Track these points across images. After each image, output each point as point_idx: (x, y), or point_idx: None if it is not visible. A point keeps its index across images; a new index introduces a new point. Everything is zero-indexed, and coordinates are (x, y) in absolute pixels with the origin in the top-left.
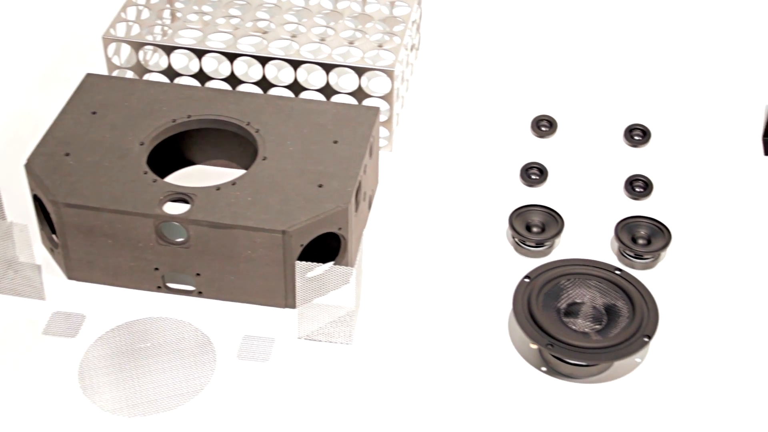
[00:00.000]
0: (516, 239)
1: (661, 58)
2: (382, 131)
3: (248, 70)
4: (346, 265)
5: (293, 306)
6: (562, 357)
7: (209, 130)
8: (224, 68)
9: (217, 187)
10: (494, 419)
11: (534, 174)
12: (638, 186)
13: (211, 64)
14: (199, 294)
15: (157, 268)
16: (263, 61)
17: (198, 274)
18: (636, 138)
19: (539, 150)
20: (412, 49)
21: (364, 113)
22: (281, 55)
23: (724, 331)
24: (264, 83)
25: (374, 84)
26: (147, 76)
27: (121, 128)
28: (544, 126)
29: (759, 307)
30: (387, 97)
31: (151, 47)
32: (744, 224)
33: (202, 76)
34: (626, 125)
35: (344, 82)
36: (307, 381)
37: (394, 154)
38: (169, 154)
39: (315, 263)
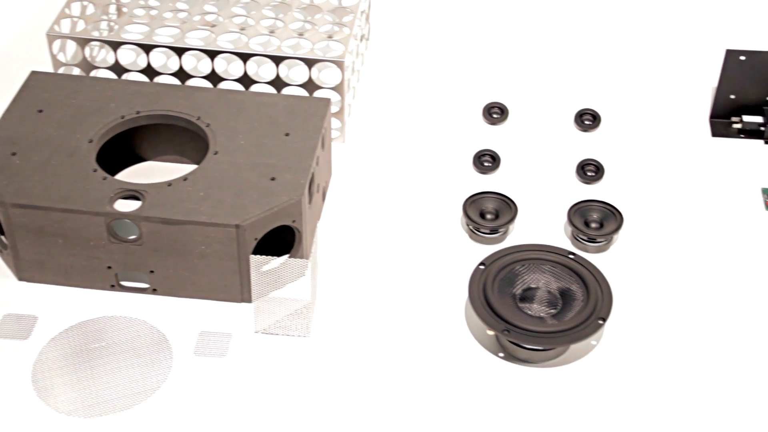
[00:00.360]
0: (470, 226)
1: (608, 43)
2: (334, 122)
3: (197, 64)
4: (301, 257)
5: (249, 300)
6: (519, 342)
7: (159, 125)
8: (173, 63)
9: (169, 183)
10: (453, 406)
11: (486, 161)
12: (590, 170)
13: (159, 58)
14: (154, 291)
15: (110, 267)
16: (212, 54)
17: (152, 272)
18: (586, 123)
19: (491, 137)
20: (362, 40)
21: (316, 105)
22: (230, 48)
23: (677, 312)
24: (213, 77)
25: (325, 75)
26: (94, 73)
27: (68, 126)
28: (495, 113)
29: (710, 286)
30: (338, 88)
31: (97, 43)
32: (694, 205)
33: (150, 71)
34: (576, 110)
35: (294, 74)
36: (265, 375)
37: (347, 145)
38: (119, 151)
39: (270, 257)
